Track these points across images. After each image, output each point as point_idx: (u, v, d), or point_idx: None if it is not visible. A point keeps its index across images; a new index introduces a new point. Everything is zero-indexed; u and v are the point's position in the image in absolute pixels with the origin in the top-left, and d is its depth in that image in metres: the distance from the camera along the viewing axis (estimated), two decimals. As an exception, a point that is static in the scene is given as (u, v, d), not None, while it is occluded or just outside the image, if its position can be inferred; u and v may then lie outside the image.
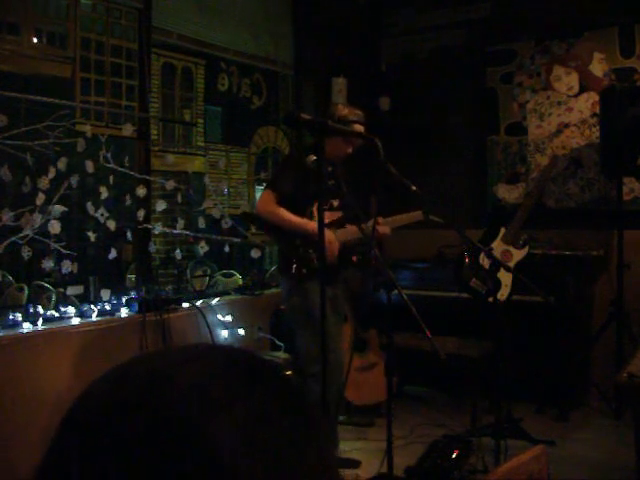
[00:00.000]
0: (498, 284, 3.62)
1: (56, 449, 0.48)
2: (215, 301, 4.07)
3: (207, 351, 0.54)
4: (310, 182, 3.11)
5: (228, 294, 4.32)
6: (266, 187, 3.40)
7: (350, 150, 3.33)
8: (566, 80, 4.81)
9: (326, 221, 2.94)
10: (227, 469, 0.44)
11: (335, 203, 3.37)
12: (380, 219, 3.27)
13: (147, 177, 3.80)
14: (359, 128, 3.26)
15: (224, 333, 4.01)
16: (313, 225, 3.04)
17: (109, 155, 3.52)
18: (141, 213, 3.71)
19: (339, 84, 4.95)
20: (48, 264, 3.23)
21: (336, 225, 3.34)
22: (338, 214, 3.36)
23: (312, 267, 3.22)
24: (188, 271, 4.21)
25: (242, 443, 0.45)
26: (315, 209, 3.26)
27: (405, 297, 2.27)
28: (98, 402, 0.49)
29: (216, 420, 0.46)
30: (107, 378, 0.50)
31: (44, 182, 3.20)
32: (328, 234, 3.07)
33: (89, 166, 3.43)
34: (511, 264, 3.76)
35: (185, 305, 3.83)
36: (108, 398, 0.48)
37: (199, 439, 0.45)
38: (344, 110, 3.31)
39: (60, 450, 0.48)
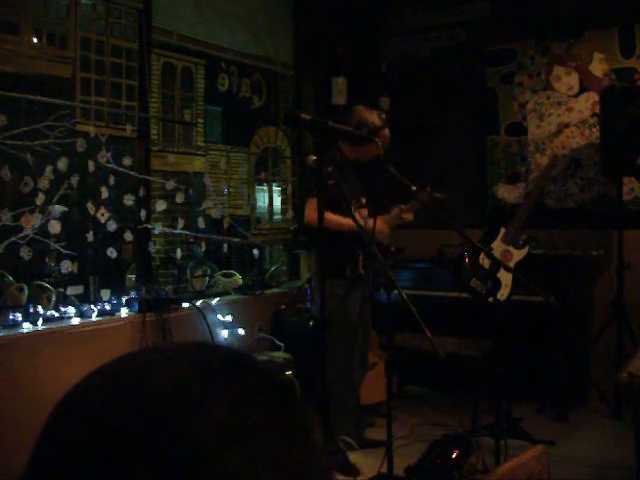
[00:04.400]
0: (498, 284, 3.62)
1: (41, 446, 0.48)
2: (215, 301, 4.07)
3: (189, 349, 0.54)
4: (344, 183, 3.31)
5: (228, 294, 4.32)
6: (310, 195, 3.45)
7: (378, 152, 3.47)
8: (566, 80, 4.81)
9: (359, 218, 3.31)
10: (207, 465, 0.44)
11: (363, 200, 3.53)
12: (402, 206, 3.52)
13: (147, 177, 3.80)
14: (387, 133, 3.50)
15: (224, 333, 4.01)
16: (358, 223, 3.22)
17: (109, 155, 3.52)
18: (141, 213, 3.71)
19: (339, 84, 4.95)
20: (48, 264, 3.23)
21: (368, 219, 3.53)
22: (365, 211, 3.53)
23: (359, 270, 3.42)
24: (188, 271, 4.21)
25: (223, 438, 0.46)
26: (354, 208, 3.45)
27: (405, 297, 2.27)
28: (79, 400, 0.49)
29: (196, 416, 0.46)
30: (89, 378, 0.51)
31: (44, 182, 3.20)
32: (378, 223, 3.27)
33: (89, 166, 3.44)
34: (511, 264, 3.75)
35: (185, 305, 3.83)
36: (88, 396, 0.49)
37: (178, 435, 0.45)
38: (373, 117, 3.48)
39: (44, 447, 0.48)
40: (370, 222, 3.46)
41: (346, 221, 3.35)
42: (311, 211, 3.36)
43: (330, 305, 3.56)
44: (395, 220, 3.57)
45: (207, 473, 0.44)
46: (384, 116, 3.55)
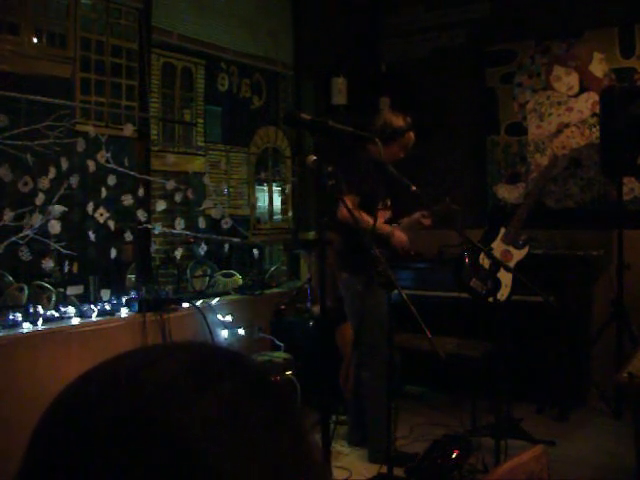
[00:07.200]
0: (498, 284, 3.62)
1: (33, 446, 0.48)
2: (215, 301, 4.07)
3: (182, 348, 0.54)
4: (378, 182, 3.45)
5: (228, 294, 4.32)
6: (347, 192, 3.45)
7: (402, 154, 3.64)
8: (566, 80, 4.81)
9: (381, 220, 3.54)
10: (197, 463, 0.44)
11: (389, 202, 3.66)
12: (423, 212, 3.63)
13: (147, 177, 3.80)
14: (411, 136, 3.62)
15: (224, 333, 4.01)
16: (386, 228, 3.55)
17: (109, 155, 3.52)
18: (141, 213, 3.71)
19: (339, 84, 4.95)
20: (48, 264, 3.23)
21: (391, 222, 3.65)
22: (388, 212, 3.63)
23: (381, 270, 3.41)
24: (188, 271, 4.21)
25: (212, 436, 0.46)
26: (379, 207, 3.55)
27: (405, 297, 2.27)
28: (70, 400, 0.49)
29: (184, 415, 0.46)
30: (81, 378, 0.51)
31: (44, 182, 3.20)
32: (399, 234, 3.57)
33: (89, 166, 3.44)
34: (511, 264, 3.75)
35: (185, 305, 3.83)
36: (80, 396, 0.49)
37: (168, 433, 0.45)
38: (398, 121, 3.59)
39: (36, 448, 0.48)
40: (396, 232, 3.60)
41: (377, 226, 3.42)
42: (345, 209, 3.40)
43: (354, 305, 3.59)
44: (413, 223, 3.67)
45: (196, 471, 0.44)
46: (409, 120, 3.65)
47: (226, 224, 4.27)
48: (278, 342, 4.23)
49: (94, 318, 3.40)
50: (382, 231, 3.50)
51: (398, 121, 3.60)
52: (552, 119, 4.86)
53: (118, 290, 3.70)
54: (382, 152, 2.59)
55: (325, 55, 5.06)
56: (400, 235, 3.58)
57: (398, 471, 3.09)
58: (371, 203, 3.43)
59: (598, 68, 4.68)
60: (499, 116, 5.06)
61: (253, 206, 4.72)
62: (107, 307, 3.53)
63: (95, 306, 3.45)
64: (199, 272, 4.29)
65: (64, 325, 3.26)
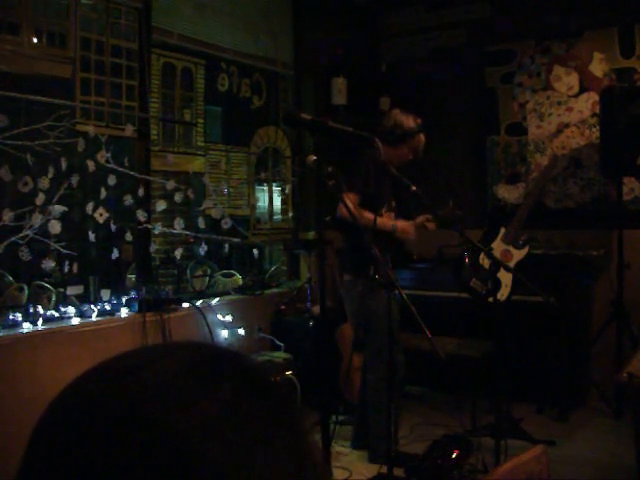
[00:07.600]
0: (498, 284, 3.62)
1: (32, 447, 0.48)
2: (215, 301, 4.07)
3: (181, 348, 0.54)
4: (383, 183, 3.42)
5: (228, 294, 4.32)
6: (347, 190, 3.42)
7: (412, 156, 3.60)
8: (566, 80, 4.81)
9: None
10: (198, 463, 0.44)
11: (393, 203, 3.62)
12: (428, 216, 3.60)
13: (147, 177, 3.80)
14: (422, 138, 3.58)
15: (224, 333, 4.01)
16: (388, 223, 3.50)
17: (109, 155, 3.52)
18: (141, 213, 3.71)
19: (339, 84, 4.95)
20: (48, 264, 3.23)
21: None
22: (393, 214, 3.60)
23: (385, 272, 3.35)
24: (188, 271, 4.21)
25: (212, 436, 0.46)
26: (384, 209, 3.55)
27: (405, 297, 2.27)
28: (69, 401, 0.49)
29: (184, 415, 0.46)
30: (80, 379, 0.51)
31: (44, 182, 3.20)
32: (403, 224, 3.52)
33: (89, 166, 3.44)
34: (511, 264, 3.75)
35: (185, 305, 3.83)
36: (78, 397, 0.49)
37: (167, 434, 0.45)
38: (409, 122, 3.54)
39: (35, 449, 0.48)
40: (399, 223, 3.58)
41: (379, 221, 3.37)
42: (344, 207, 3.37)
43: (355, 306, 3.56)
44: (417, 227, 3.63)
45: (196, 471, 0.44)
46: (419, 121, 3.59)
47: (226, 224, 4.27)
48: (278, 342, 4.23)
49: (94, 318, 3.40)
50: (384, 227, 3.45)
51: (409, 122, 3.55)
52: (552, 119, 4.86)
53: (118, 290, 3.71)
54: (383, 153, 2.60)
55: (325, 55, 5.06)
56: (405, 226, 3.52)
57: (398, 471, 3.09)
58: (376, 204, 3.42)
59: (598, 68, 4.68)
60: (499, 116, 5.06)
61: (253, 206, 4.73)
62: (107, 307, 3.53)
63: (95, 306, 3.45)
64: (199, 272, 4.29)
65: (64, 325, 3.26)
